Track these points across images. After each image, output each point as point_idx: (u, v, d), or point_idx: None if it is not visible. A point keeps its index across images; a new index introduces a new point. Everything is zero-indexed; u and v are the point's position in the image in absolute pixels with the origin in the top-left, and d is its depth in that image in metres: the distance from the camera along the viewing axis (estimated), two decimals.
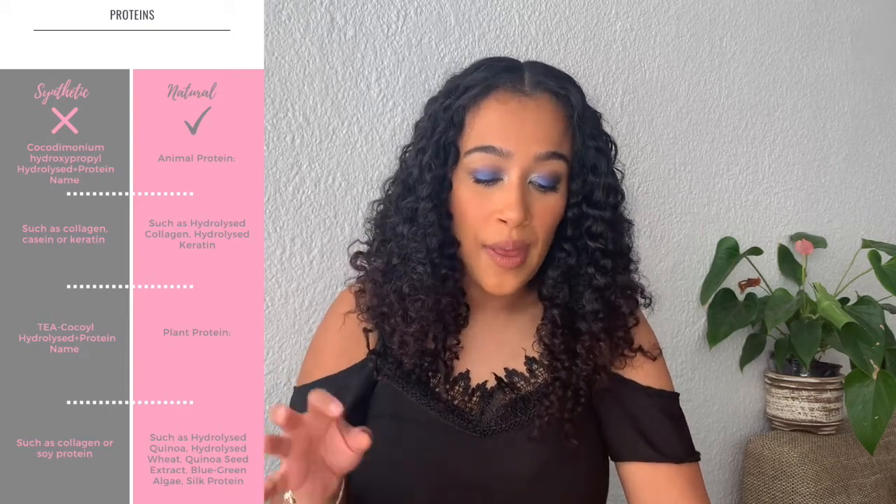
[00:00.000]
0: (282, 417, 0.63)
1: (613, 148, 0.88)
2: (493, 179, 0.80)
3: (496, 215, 0.79)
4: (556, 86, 0.83)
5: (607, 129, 0.89)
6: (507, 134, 0.80)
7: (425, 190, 0.83)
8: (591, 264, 0.85)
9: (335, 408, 0.64)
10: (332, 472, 0.70)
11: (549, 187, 0.81)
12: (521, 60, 0.88)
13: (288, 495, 0.71)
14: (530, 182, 0.81)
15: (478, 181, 0.80)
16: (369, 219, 0.92)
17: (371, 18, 1.10)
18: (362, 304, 0.88)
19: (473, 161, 0.81)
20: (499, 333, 0.90)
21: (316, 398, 0.65)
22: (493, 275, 0.82)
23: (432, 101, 0.88)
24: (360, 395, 0.87)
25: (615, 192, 0.86)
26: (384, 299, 0.85)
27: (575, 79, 0.87)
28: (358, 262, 0.90)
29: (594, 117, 0.87)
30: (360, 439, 0.66)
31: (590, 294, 0.85)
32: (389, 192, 0.89)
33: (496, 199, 0.80)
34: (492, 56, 0.94)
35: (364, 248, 0.91)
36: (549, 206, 0.82)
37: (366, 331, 0.88)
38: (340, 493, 0.73)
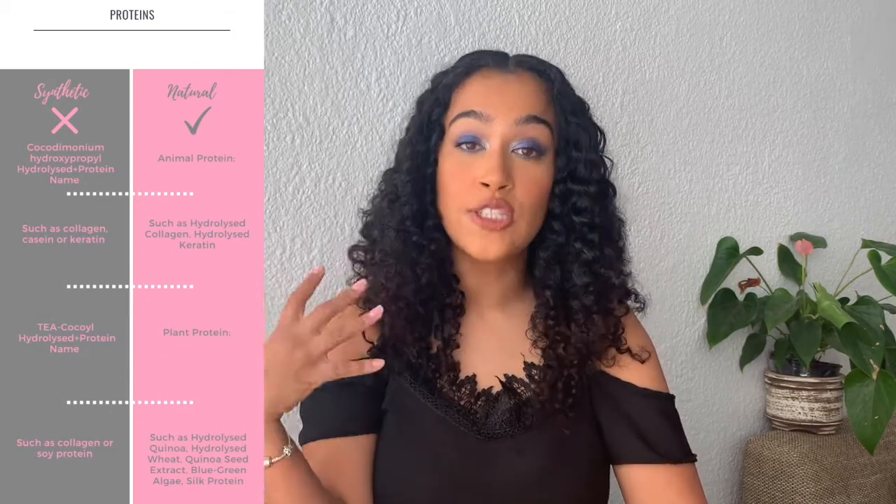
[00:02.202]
0: (362, 287, 0.71)
1: (601, 135, 0.90)
2: (474, 144, 0.82)
3: (479, 180, 0.81)
4: (537, 65, 0.88)
5: (598, 122, 0.91)
6: (488, 100, 0.83)
7: (406, 164, 0.86)
8: (578, 239, 0.86)
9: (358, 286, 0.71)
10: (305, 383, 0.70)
11: (532, 155, 0.83)
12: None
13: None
14: (513, 151, 0.82)
15: (460, 148, 0.83)
16: (364, 212, 0.94)
17: (371, 18, 1.10)
18: (360, 298, 0.88)
19: (456, 128, 0.83)
20: (496, 333, 0.91)
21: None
22: (476, 238, 0.82)
23: (421, 94, 0.92)
24: (373, 387, 0.87)
25: (598, 167, 0.88)
26: (374, 283, 0.86)
27: (592, 96, 0.92)
28: (354, 255, 0.91)
29: (578, 101, 0.89)
30: (375, 311, 0.70)
31: (578, 268, 0.86)
32: (382, 185, 0.92)
33: (478, 165, 0.81)
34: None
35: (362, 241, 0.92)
36: (534, 176, 0.83)
37: None
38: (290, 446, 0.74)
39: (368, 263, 0.88)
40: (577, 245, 0.86)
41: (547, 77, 0.87)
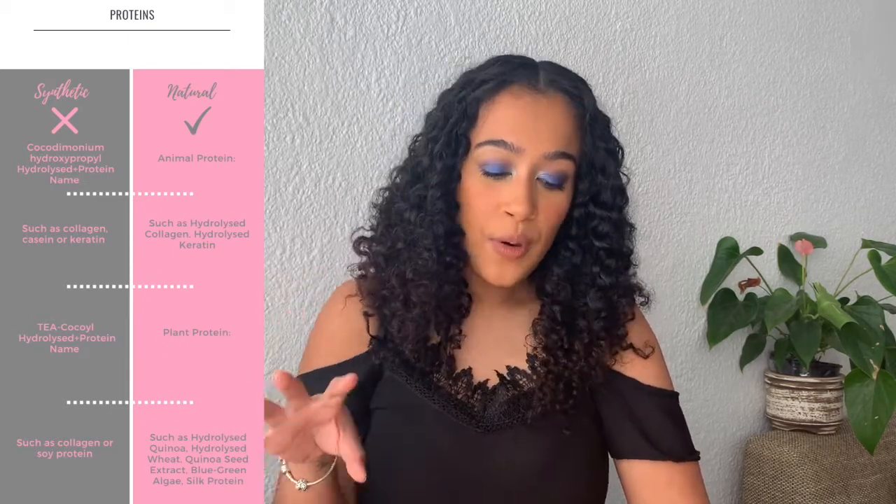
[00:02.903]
0: (282, 383, 0.65)
1: (621, 152, 0.90)
2: (502, 173, 0.81)
3: (503, 208, 0.81)
4: (569, 86, 0.85)
5: (616, 134, 0.90)
6: (519, 130, 0.81)
7: (435, 178, 0.84)
8: (595, 263, 0.86)
9: (348, 381, 0.67)
10: (318, 448, 0.71)
11: (556, 185, 0.83)
12: (535, 60, 0.89)
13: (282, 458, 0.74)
14: (538, 178, 0.82)
15: (487, 174, 0.82)
16: (374, 204, 0.93)
17: (371, 18, 1.10)
18: (364, 289, 0.88)
19: (484, 153, 0.82)
20: (498, 328, 0.91)
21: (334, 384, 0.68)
22: (495, 264, 0.83)
23: (446, 92, 0.89)
24: (359, 386, 0.87)
25: (622, 194, 0.88)
26: (385, 283, 0.86)
27: (587, 81, 0.88)
28: (361, 248, 0.90)
29: (604, 120, 0.88)
30: (345, 380, 0.68)
31: (594, 293, 0.86)
32: (397, 179, 0.90)
33: (504, 193, 0.81)
34: (506, 54, 0.95)
35: (368, 233, 0.92)
36: (555, 204, 0.83)
37: (366, 314, 0.88)
38: (333, 463, 0.76)
39: (385, 269, 0.87)
40: (595, 269, 0.86)
41: (579, 102, 0.85)
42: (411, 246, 0.84)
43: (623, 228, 0.88)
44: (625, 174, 0.90)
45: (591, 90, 0.87)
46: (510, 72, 0.85)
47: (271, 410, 0.67)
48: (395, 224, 0.87)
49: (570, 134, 0.83)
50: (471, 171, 0.83)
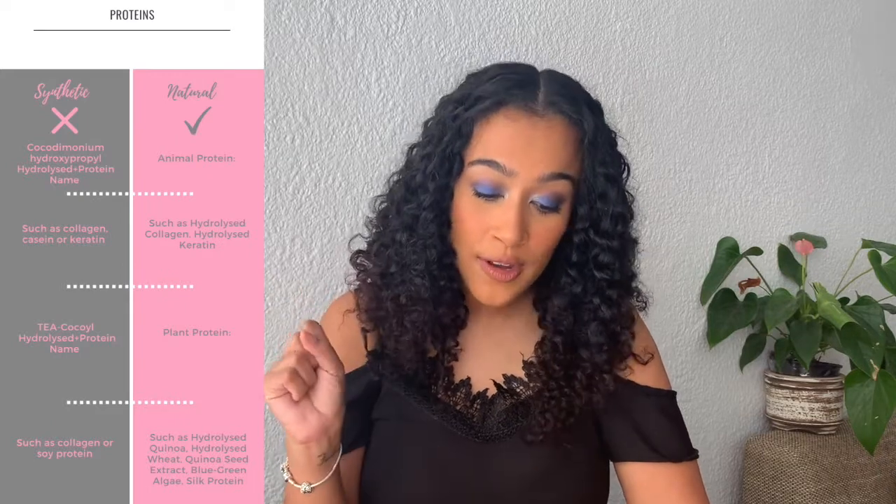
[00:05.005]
0: (309, 331, 0.69)
1: (626, 170, 0.87)
2: (493, 195, 0.79)
3: (493, 232, 0.79)
4: (570, 109, 0.80)
5: (623, 149, 0.87)
6: (513, 152, 0.78)
7: (427, 199, 0.81)
8: (596, 294, 0.84)
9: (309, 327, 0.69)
10: (315, 409, 0.71)
11: (551, 208, 0.80)
12: (539, 70, 0.86)
13: (283, 465, 0.75)
14: (531, 202, 0.79)
15: (478, 195, 0.79)
16: (370, 219, 0.92)
17: (371, 18, 1.10)
18: (361, 304, 0.88)
19: (476, 173, 0.79)
20: (495, 336, 0.90)
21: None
22: (485, 285, 0.81)
23: (444, 103, 0.86)
24: (359, 399, 0.87)
25: (623, 221, 0.84)
26: (381, 304, 0.85)
27: (593, 96, 0.85)
28: (358, 261, 0.90)
29: (608, 141, 0.84)
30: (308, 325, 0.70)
31: (595, 326, 0.84)
32: (393, 189, 0.89)
33: (495, 216, 0.78)
34: (509, 63, 0.91)
35: (365, 245, 0.91)
36: (549, 227, 0.80)
37: (364, 330, 0.88)
38: (335, 465, 0.75)
39: (380, 287, 0.86)
40: (596, 301, 0.84)
41: (579, 124, 0.80)
42: (404, 269, 0.83)
43: (625, 255, 0.85)
44: (629, 192, 0.87)
45: (595, 108, 0.83)
46: (507, 90, 0.80)
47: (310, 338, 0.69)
48: (388, 245, 0.85)
49: (569, 157, 0.80)
50: (463, 189, 0.81)
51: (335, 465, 0.75)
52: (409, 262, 0.82)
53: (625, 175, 0.86)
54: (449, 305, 0.84)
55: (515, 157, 0.78)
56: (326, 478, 0.74)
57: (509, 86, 0.81)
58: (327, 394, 0.70)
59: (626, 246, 0.85)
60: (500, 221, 0.78)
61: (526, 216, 0.78)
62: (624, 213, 0.84)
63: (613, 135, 0.86)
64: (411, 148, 0.89)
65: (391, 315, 0.84)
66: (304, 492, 0.74)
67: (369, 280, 0.87)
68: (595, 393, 0.85)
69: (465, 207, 0.80)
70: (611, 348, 0.85)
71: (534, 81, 0.82)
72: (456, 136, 0.81)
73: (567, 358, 0.85)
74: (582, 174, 0.81)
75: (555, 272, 0.85)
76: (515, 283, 0.81)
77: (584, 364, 0.85)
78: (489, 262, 0.80)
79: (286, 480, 0.75)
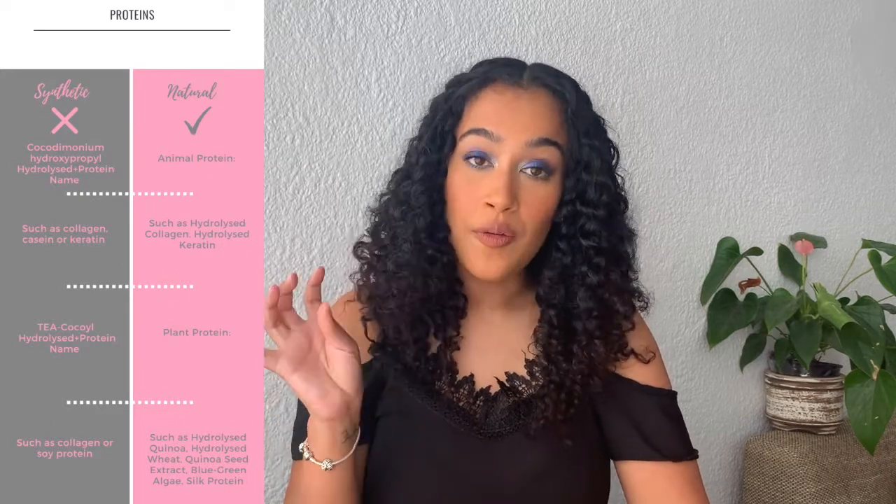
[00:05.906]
0: (318, 277, 0.74)
1: (615, 153, 0.89)
2: (482, 160, 0.82)
3: (484, 199, 0.80)
4: (553, 82, 0.85)
5: (623, 149, 0.90)
6: (500, 119, 0.82)
7: (418, 174, 0.85)
8: (584, 262, 0.86)
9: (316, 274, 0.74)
10: (336, 386, 0.74)
11: (541, 175, 0.82)
12: (527, 63, 0.90)
13: (301, 445, 0.77)
14: (521, 170, 0.82)
15: (469, 164, 0.82)
16: (371, 209, 0.93)
17: (371, 18, 1.10)
18: (363, 295, 0.88)
19: (466, 143, 0.83)
20: (497, 332, 0.91)
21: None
22: (480, 256, 0.82)
23: (436, 96, 0.91)
24: (365, 393, 0.87)
25: (608, 191, 0.86)
26: (378, 283, 0.86)
27: (579, 83, 0.88)
28: (359, 252, 0.90)
29: (594, 119, 0.88)
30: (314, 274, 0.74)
31: (583, 292, 0.86)
32: (391, 183, 0.91)
33: (485, 184, 0.81)
34: (499, 56, 0.96)
35: (366, 239, 0.92)
36: (540, 197, 0.82)
37: (364, 319, 0.88)
38: (355, 443, 0.77)
39: (377, 268, 0.87)
40: (584, 268, 0.85)
41: (562, 96, 0.85)
42: (394, 240, 0.85)
43: (614, 226, 0.87)
44: (620, 175, 0.90)
45: (578, 89, 0.87)
46: (494, 69, 0.86)
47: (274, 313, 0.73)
48: (383, 223, 0.88)
49: (556, 126, 0.83)
50: (456, 165, 0.84)
51: (355, 444, 0.77)
52: (399, 232, 0.85)
53: (615, 161, 0.89)
54: (441, 278, 0.85)
55: (503, 125, 0.81)
56: (347, 456, 0.76)
57: (497, 66, 0.87)
58: (344, 370, 0.74)
59: (615, 220, 0.87)
60: (490, 188, 0.80)
61: (515, 183, 0.81)
62: (608, 183, 0.86)
63: (601, 119, 0.89)
64: (411, 141, 0.91)
65: (384, 290, 0.85)
66: (325, 468, 0.75)
67: (366, 266, 0.89)
68: (594, 368, 0.86)
69: (458, 182, 0.83)
70: (601, 314, 0.86)
71: (520, 64, 0.89)
72: (447, 114, 0.85)
73: (563, 334, 0.86)
74: (568, 145, 0.84)
75: (548, 253, 0.87)
76: (509, 253, 0.82)
77: (579, 337, 0.86)
78: (483, 233, 0.81)
79: (306, 459, 0.76)
